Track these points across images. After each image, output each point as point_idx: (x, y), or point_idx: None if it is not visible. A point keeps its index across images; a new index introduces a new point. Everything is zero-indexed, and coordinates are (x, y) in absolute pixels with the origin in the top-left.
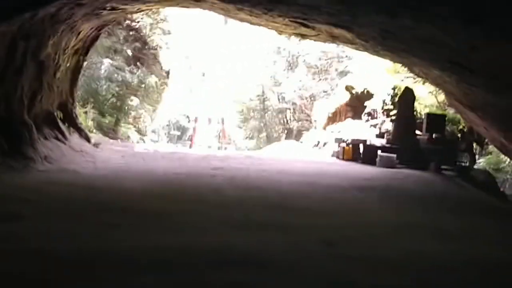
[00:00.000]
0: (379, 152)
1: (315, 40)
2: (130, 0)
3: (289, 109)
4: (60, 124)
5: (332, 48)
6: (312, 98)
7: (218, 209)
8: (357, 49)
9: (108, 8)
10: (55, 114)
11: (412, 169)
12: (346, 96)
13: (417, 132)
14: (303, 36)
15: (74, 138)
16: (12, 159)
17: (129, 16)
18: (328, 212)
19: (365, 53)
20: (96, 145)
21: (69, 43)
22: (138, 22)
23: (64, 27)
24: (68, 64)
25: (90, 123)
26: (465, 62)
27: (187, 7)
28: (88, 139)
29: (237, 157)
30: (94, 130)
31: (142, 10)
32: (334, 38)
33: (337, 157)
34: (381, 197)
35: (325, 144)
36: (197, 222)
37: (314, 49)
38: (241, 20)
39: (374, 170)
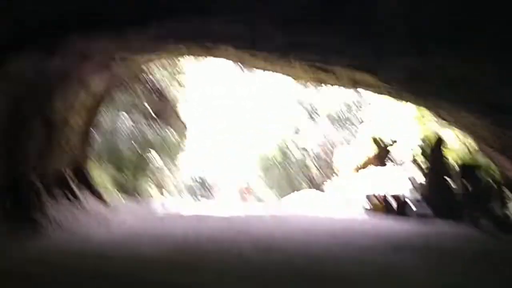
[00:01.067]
0: (411, 205)
1: (334, 85)
2: (139, 51)
3: (311, 157)
4: (72, 184)
5: (353, 95)
6: (333, 146)
7: (240, 281)
8: (379, 93)
9: (117, 60)
10: (66, 173)
11: (447, 222)
12: (371, 146)
13: (450, 183)
14: (322, 81)
15: (88, 199)
16: (19, 225)
17: (143, 69)
18: (365, 281)
19: (388, 97)
20: (111, 206)
21: (79, 98)
22: (153, 75)
23: (72, 82)
24: (79, 121)
25: (107, 179)
26: (498, 101)
27: (200, 55)
28: (103, 200)
29: (261, 216)
30: (111, 188)
31: (151, 60)
32: (355, 83)
33: (367, 211)
34: (421, 259)
35: (351, 195)
36: None
37: (334, 97)
38: (256, 67)
39: (409, 226)
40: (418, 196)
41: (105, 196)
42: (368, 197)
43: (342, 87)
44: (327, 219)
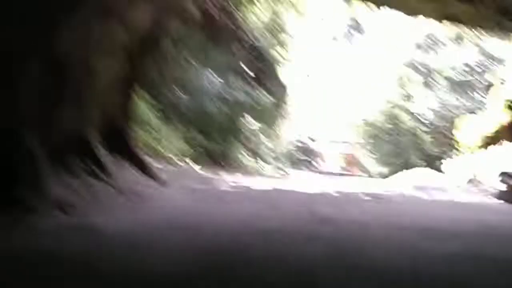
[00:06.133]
0: None
1: (473, 26)
2: None
3: (427, 131)
4: (101, 153)
5: (479, 58)
6: (455, 118)
7: None
8: None
9: None
10: (91, 138)
11: None
12: (505, 115)
13: None
14: (455, 19)
15: (124, 173)
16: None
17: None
18: None
19: None
20: (160, 180)
21: (113, 36)
22: (256, 39)
23: (89, 12)
24: (116, 70)
25: (186, 145)
26: None
27: None
28: (149, 173)
29: (358, 199)
30: (184, 156)
31: None
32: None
33: (502, 199)
34: None
35: (477, 176)
36: None
37: (456, 61)
38: None
39: None
40: None
41: (155, 169)
42: (502, 176)
43: (483, 32)
44: (449, 208)
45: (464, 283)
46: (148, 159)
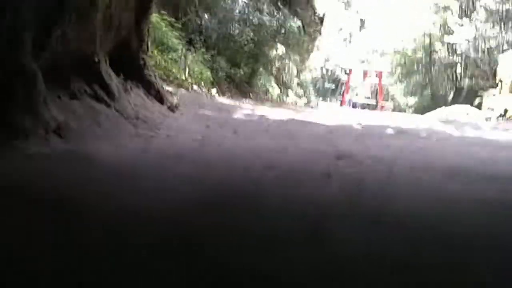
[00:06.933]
0: None
1: None
2: None
3: (460, 63)
4: (107, 75)
5: None
6: (492, 51)
7: None
8: None
9: None
10: (98, 59)
11: None
12: None
13: None
14: None
15: (133, 99)
16: None
17: None
18: None
19: None
20: (173, 107)
21: None
22: None
23: None
24: None
25: (210, 74)
26: None
27: None
28: (162, 100)
29: (382, 133)
30: (208, 85)
31: None
32: None
33: None
34: None
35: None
36: None
37: None
38: None
39: None
40: None
41: (166, 94)
42: None
43: None
44: (481, 146)
45: (501, 236)
46: (162, 85)
